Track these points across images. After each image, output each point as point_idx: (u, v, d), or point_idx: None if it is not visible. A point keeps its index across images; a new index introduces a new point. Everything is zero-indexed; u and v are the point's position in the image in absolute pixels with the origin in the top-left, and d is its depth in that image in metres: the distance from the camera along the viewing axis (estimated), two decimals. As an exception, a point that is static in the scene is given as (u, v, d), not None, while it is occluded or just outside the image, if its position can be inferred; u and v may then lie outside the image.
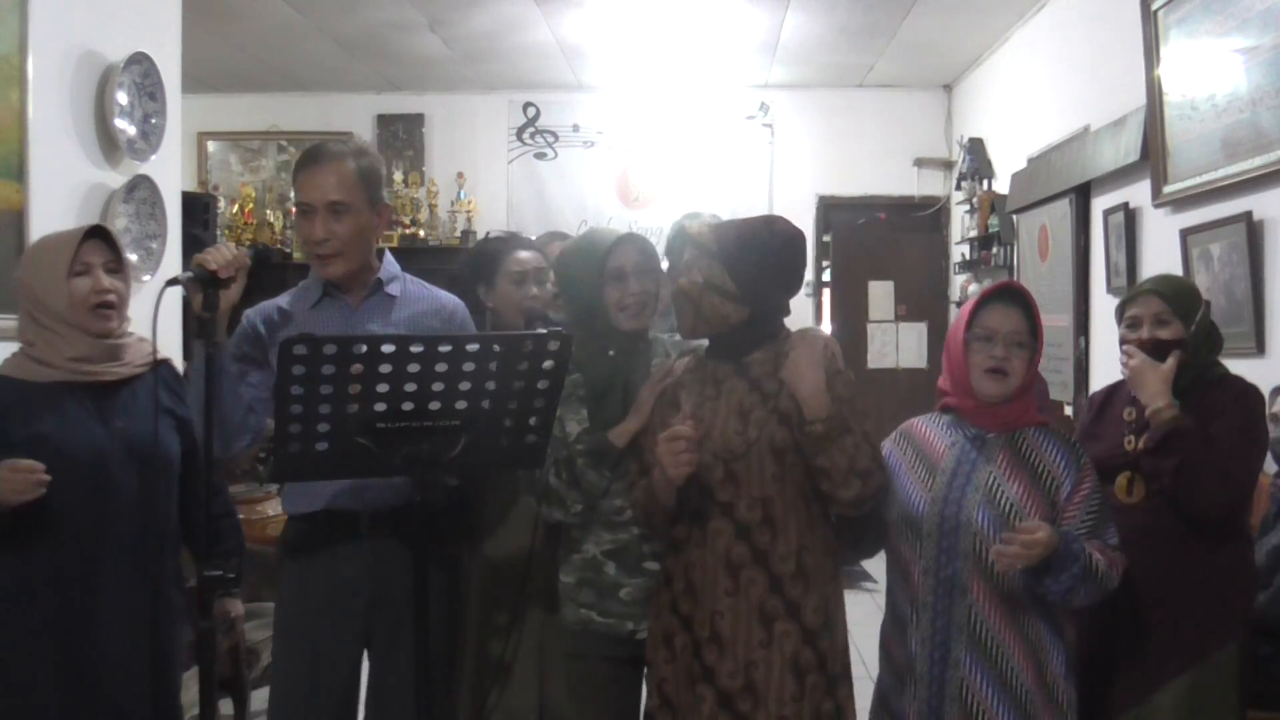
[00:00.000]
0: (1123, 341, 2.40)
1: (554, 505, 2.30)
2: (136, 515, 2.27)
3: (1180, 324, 2.32)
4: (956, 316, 2.26)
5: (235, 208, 7.02)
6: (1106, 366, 4.52)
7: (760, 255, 2.10)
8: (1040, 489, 2.09)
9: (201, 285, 1.97)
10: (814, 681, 2.04)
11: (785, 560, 2.04)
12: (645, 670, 2.25)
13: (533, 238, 3.16)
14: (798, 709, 2.02)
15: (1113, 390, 2.53)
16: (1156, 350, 2.31)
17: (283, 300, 2.36)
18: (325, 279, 2.32)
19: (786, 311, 2.19)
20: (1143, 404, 2.25)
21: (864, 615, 4.01)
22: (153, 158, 3.65)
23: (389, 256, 2.43)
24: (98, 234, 2.31)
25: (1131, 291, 2.47)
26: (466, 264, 2.90)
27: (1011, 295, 2.18)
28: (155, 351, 2.15)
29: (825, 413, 1.98)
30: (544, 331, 1.94)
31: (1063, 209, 4.95)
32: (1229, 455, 2.21)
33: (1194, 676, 2.24)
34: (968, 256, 6.51)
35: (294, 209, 2.39)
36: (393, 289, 2.37)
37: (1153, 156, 3.92)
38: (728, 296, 2.08)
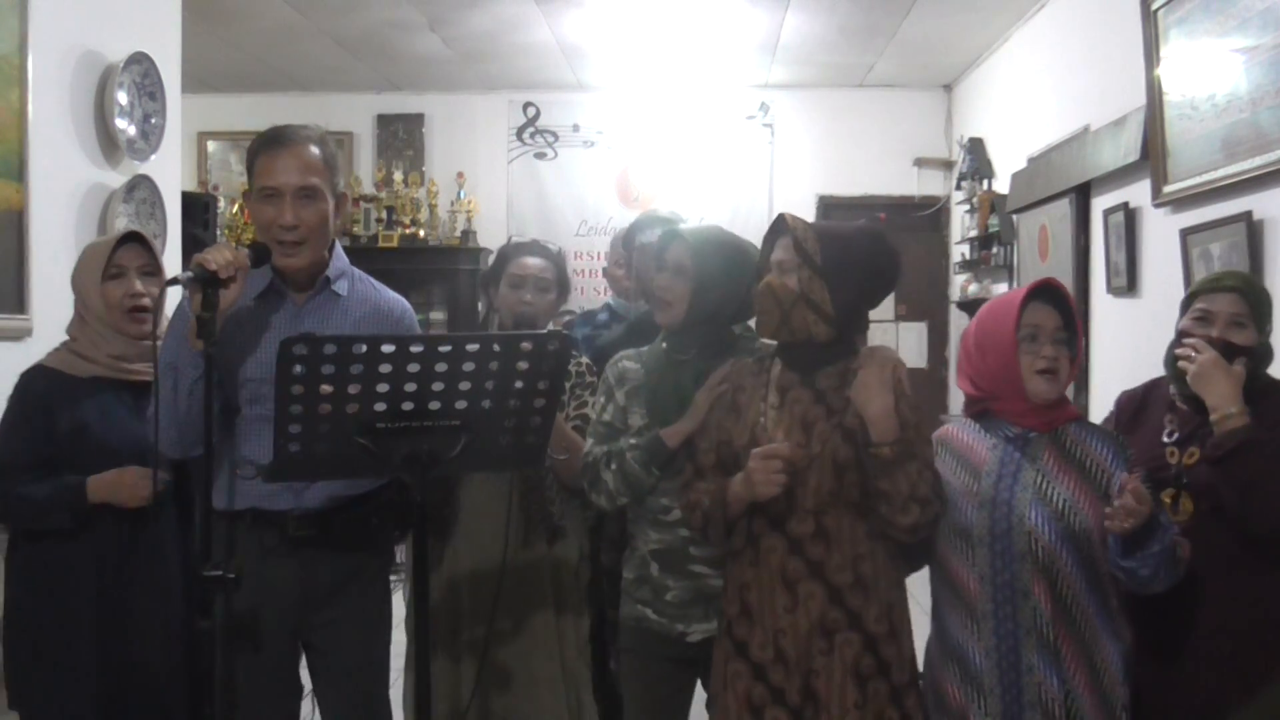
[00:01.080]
0: (1184, 334, 2.21)
1: (600, 494, 2.32)
2: (173, 508, 2.34)
3: (1255, 331, 2.16)
4: (989, 317, 2.14)
5: (235, 208, 7.01)
6: (1106, 367, 4.52)
7: (863, 279, 2.06)
8: (1092, 484, 2.03)
9: (201, 285, 1.96)
10: (876, 688, 2.00)
11: (842, 570, 2.01)
12: (704, 676, 2.24)
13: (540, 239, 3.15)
14: (860, 716, 1.98)
15: (1146, 394, 2.37)
16: (1225, 354, 2.13)
17: None
18: (286, 270, 2.23)
19: (865, 330, 2.14)
20: (1209, 405, 2.07)
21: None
22: (153, 158, 3.65)
23: (338, 248, 2.33)
24: (135, 239, 2.41)
25: (1209, 283, 2.27)
26: (491, 264, 2.92)
27: (1049, 293, 2.10)
28: (154, 349, 2.15)
29: (893, 436, 1.96)
30: (544, 331, 1.94)
31: (1063, 209, 4.95)
32: None
33: (1257, 709, 2.09)
34: (968, 256, 6.50)
35: (247, 194, 2.24)
36: (340, 287, 2.28)
37: (1153, 156, 3.92)
38: (822, 316, 2.04)
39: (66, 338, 2.43)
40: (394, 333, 2.27)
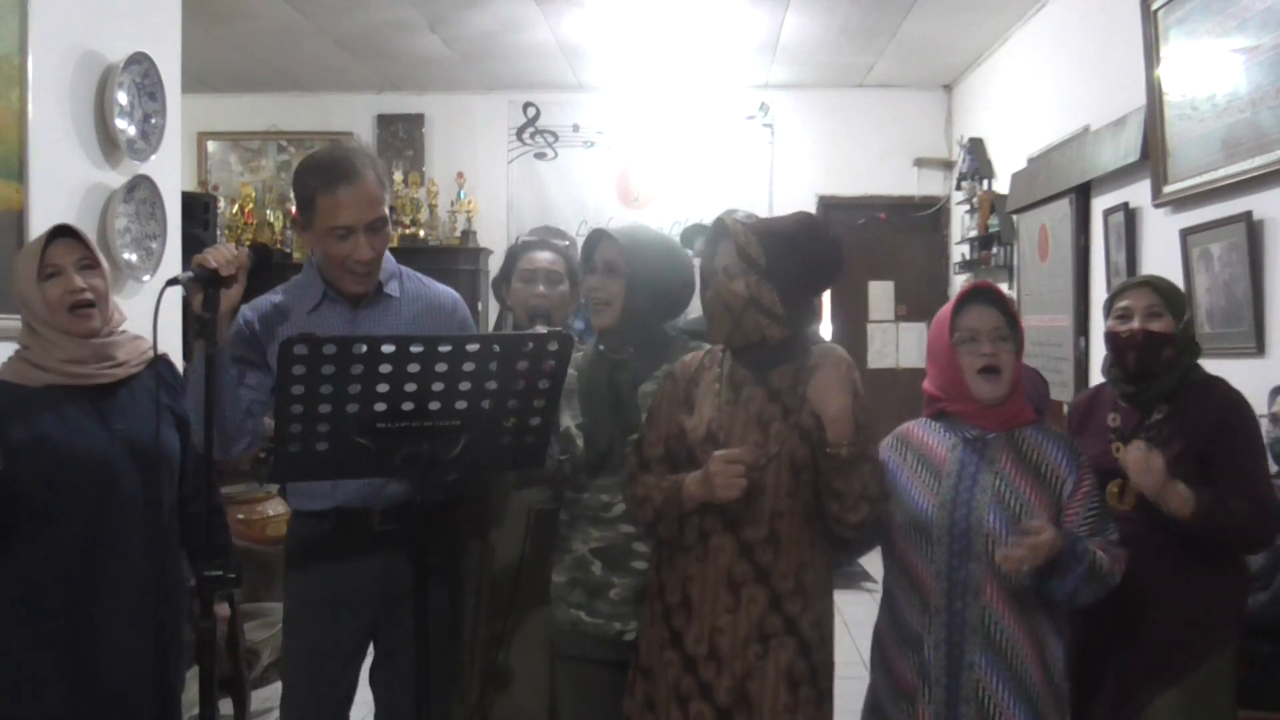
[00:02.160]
0: (1109, 334, 2.39)
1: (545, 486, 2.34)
2: (140, 515, 2.28)
3: (1171, 319, 2.32)
4: (933, 326, 2.26)
5: (235, 208, 7.02)
6: (1106, 366, 4.53)
7: (807, 273, 2.07)
8: (1046, 487, 2.10)
9: (202, 285, 1.96)
10: (807, 694, 2.03)
11: (785, 578, 2.03)
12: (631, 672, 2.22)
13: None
14: (790, 719, 2.01)
15: (1095, 395, 2.53)
16: (1148, 341, 2.31)
17: (276, 297, 2.31)
18: (354, 292, 2.27)
19: (816, 323, 2.16)
20: (1158, 502, 2.19)
21: (864, 615, 4.00)
22: (153, 158, 3.65)
23: (386, 252, 2.37)
24: (67, 233, 2.28)
25: (1121, 284, 2.47)
26: (503, 263, 2.93)
27: (984, 295, 2.18)
28: (155, 348, 2.14)
29: (849, 437, 1.97)
30: (544, 331, 1.94)
31: (1063, 209, 4.95)
32: (1253, 480, 2.23)
33: (1189, 686, 2.23)
34: (968, 256, 6.51)
35: (297, 221, 2.27)
36: (392, 288, 2.33)
37: (1153, 156, 3.92)
38: (774, 318, 2.05)
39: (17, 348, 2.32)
40: (448, 325, 2.34)
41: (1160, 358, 2.32)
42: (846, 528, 2.03)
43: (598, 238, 2.33)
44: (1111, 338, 2.39)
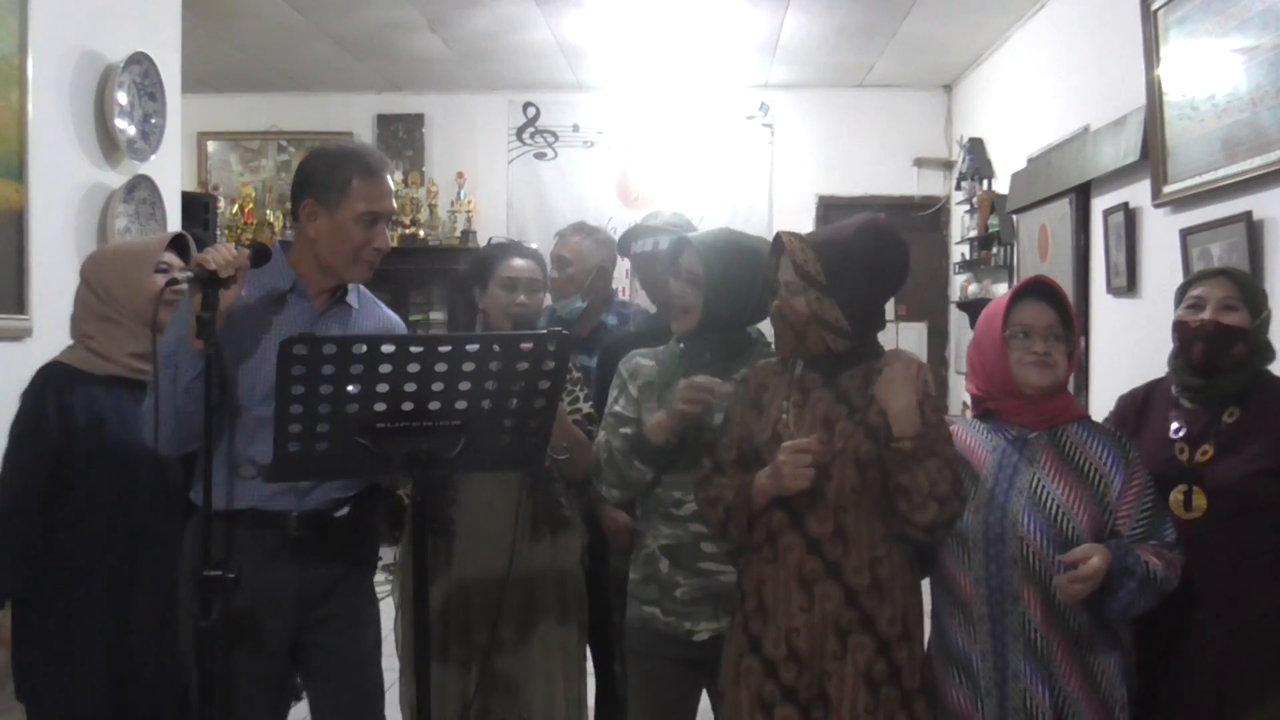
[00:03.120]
0: (1178, 323, 2.25)
1: (601, 483, 2.36)
2: (182, 509, 2.32)
3: (1247, 314, 2.19)
4: (983, 319, 2.17)
5: (235, 208, 7.01)
6: (1106, 367, 4.52)
7: (872, 283, 2.05)
8: (1088, 488, 2.02)
9: (201, 285, 1.96)
10: (888, 694, 2.00)
11: (859, 573, 2.01)
12: (709, 679, 2.23)
13: (549, 234, 3.17)
14: None
15: (1150, 391, 2.38)
16: (1219, 334, 2.17)
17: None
18: (347, 280, 2.31)
19: (884, 324, 2.14)
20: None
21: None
22: (153, 158, 3.65)
23: None
24: (177, 243, 2.46)
25: (1197, 273, 2.33)
26: (469, 265, 2.95)
27: (1042, 291, 2.11)
28: (155, 348, 2.14)
29: (914, 431, 1.96)
30: (544, 332, 1.94)
31: (1063, 209, 4.95)
32: None
33: (1270, 709, 2.09)
34: (968, 256, 6.50)
35: (309, 207, 2.27)
36: (352, 299, 2.35)
37: (1153, 156, 3.92)
38: (838, 332, 2.04)
39: (73, 337, 2.41)
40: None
41: (1230, 353, 2.17)
42: (916, 529, 1.98)
43: (681, 245, 2.37)
44: (1180, 327, 2.25)
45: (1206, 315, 2.20)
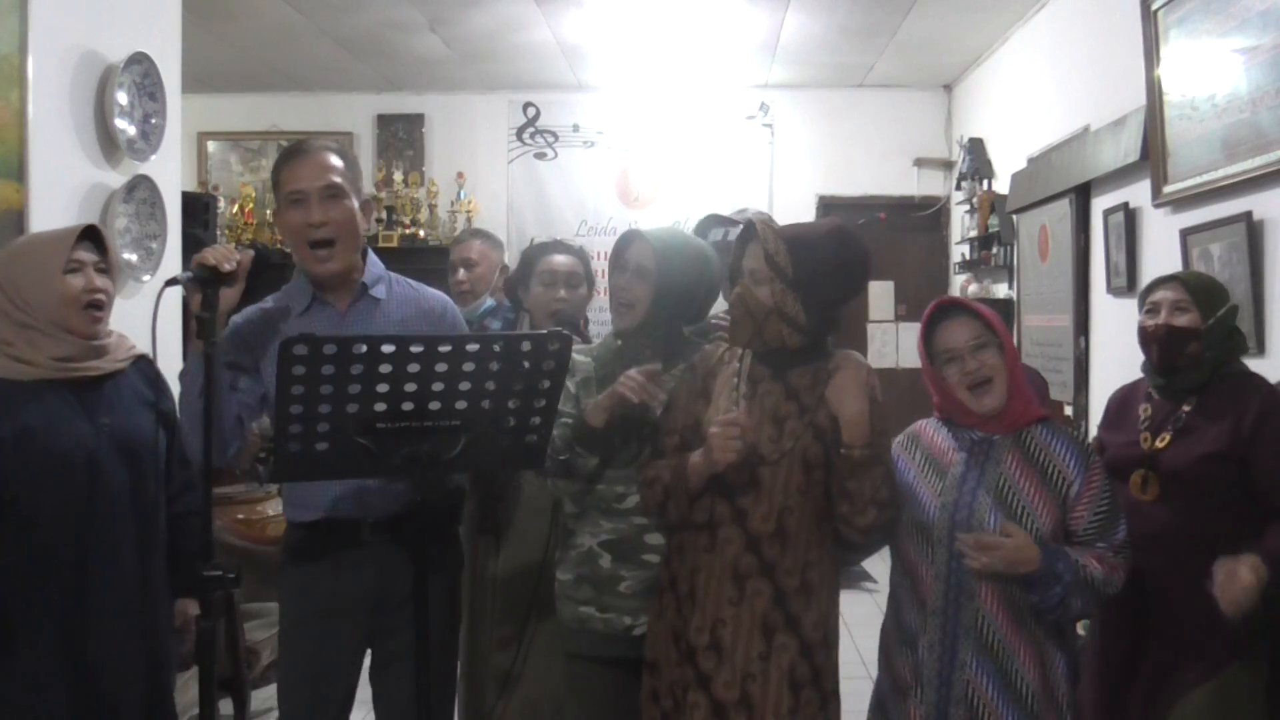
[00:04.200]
0: (1139, 328, 2.41)
1: (556, 479, 2.33)
2: (128, 510, 2.27)
3: (1198, 314, 2.33)
4: (918, 349, 2.23)
5: (235, 208, 7.02)
6: (1106, 367, 4.52)
7: (835, 285, 2.06)
8: (1051, 489, 2.08)
9: (201, 285, 1.96)
10: (809, 697, 2.03)
11: (791, 574, 2.04)
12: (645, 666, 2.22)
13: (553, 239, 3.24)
14: None
15: (1132, 388, 2.53)
16: (1170, 336, 2.31)
17: (267, 304, 2.33)
18: (319, 277, 2.29)
19: (839, 331, 2.16)
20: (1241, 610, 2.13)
21: (864, 615, 4.02)
22: (153, 158, 3.65)
23: (372, 255, 2.40)
24: (89, 234, 2.30)
25: (1155, 279, 2.48)
26: (518, 266, 3.02)
27: (949, 311, 2.16)
28: (154, 348, 2.14)
29: (865, 439, 1.99)
30: (544, 332, 1.94)
31: (1063, 209, 4.95)
32: None
33: (1218, 685, 2.19)
34: (968, 256, 6.51)
35: (277, 215, 2.34)
36: (378, 291, 2.34)
37: (1153, 156, 3.92)
38: (796, 328, 2.05)
39: None
40: (437, 328, 2.34)
41: (1185, 352, 2.32)
42: (854, 530, 2.03)
43: (631, 238, 2.34)
44: (1140, 331, 2.42)
45: (1160, 319, 2.36)
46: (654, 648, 2.14)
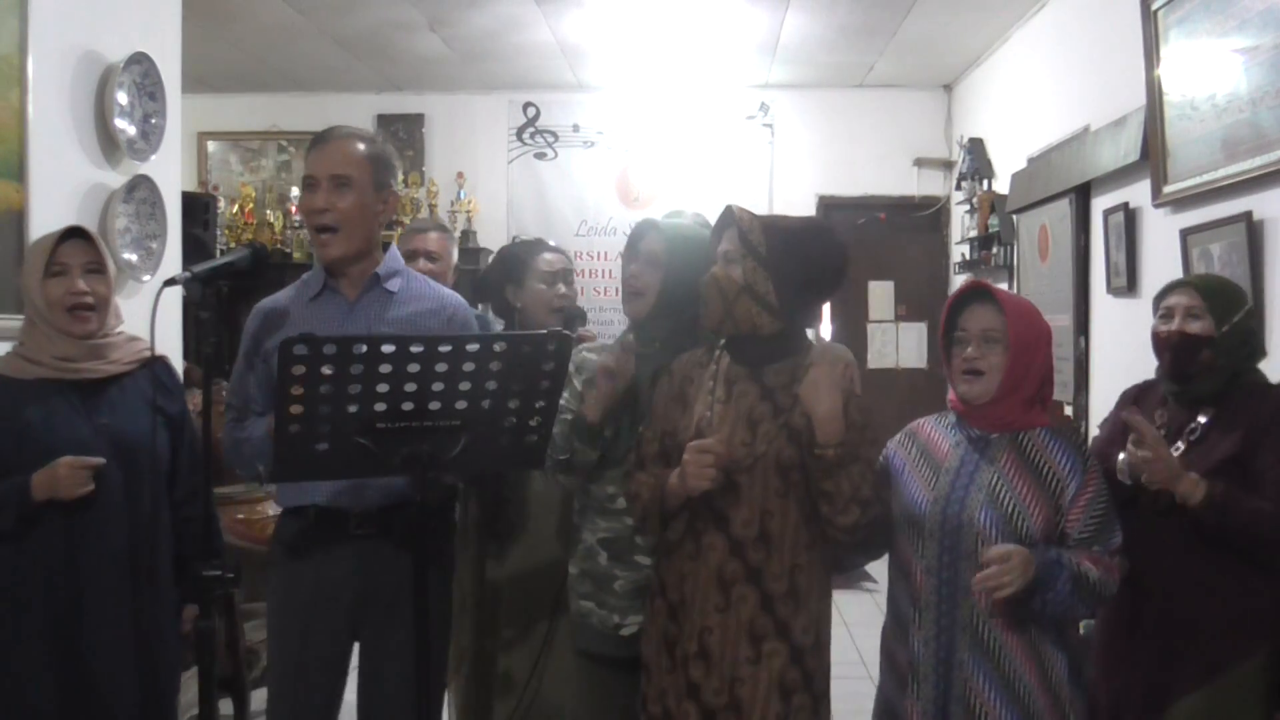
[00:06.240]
0: (1152, 334, 2.36)
1: (557, 477, 2.35)
2: (122, 510, 2.28)
3: (1212, 321, 2.27)
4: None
5: (235, 208, 7.01)
6: (1106, 367, 4.52)
7: (808, 271, 2.05)
8: (1044, 490, 2.06)
9: (201, 285, 1.96)
10: (800, 702, 2.01)
11: (778, 579, 2.02)
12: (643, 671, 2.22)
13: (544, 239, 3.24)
14: None
15: (1145, 389, 2.47)
16: (1183, 343, 2.27)
17: (283, 296, 2.35)
18: (325, 262, 2.30)
19: (816, 325, 2.16)
20: (1177, 495, 2.14)
21: (864, 615, 4.01)
22: (153, 158, 3.65)
23: (393, 249, 2.41)
24: (79, 234, 2.32)
25: (1170, 283, 2.42)
26: (494, 266, 2.98)
27: (978, 295, 2.14)
28: (153, 348, 2.15)
29: (838, 439, 1.96)
30: (544, 332, 1.94)
31: (1063, 209, 4.95)
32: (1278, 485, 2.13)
33: (1214, 691, 2.17)
34: (968, 256, 6.50)
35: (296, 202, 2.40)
36: (392, 285, 2.34)
37: (1153, 156, 3.92)
38: (766, 308, 2.04)
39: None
40: (448, 327, 2.34)
41: (1197, 360, 2.27)
42: (838, 530, 2.00)
43: (646, 228, 2.35)
44: (1153, 337, 2.36)
45: (1174, 325, 2.30)
46: (647, 652, 2.14)
